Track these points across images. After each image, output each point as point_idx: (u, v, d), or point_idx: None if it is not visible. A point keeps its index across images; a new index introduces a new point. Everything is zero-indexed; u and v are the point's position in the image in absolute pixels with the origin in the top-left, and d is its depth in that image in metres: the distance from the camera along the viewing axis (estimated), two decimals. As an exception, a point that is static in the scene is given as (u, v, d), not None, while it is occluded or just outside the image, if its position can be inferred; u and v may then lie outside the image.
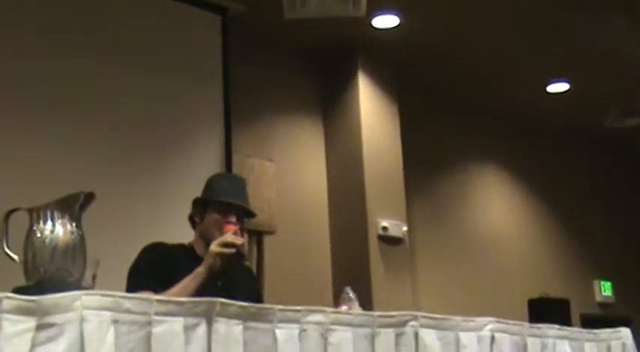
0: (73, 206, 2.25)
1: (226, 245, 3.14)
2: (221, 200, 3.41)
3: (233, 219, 3.37)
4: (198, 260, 3.33)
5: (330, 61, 7.28)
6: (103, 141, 5.24)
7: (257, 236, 6.13)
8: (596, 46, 7.39)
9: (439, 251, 7.88)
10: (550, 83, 8.22)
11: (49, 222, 2.21)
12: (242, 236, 3.31)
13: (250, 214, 3.55)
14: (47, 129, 5.02)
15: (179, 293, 2.90)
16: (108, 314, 1.88)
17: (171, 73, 5.79)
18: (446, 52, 7.41)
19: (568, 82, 8.21)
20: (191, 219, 3.53)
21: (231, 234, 3.18)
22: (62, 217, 2.22)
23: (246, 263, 3.28)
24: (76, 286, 2.13)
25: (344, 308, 3.11)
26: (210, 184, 3.54)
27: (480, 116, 8.60)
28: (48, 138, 5.00)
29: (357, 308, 3.17)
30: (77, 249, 2.21)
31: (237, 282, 3.39)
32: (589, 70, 7.87)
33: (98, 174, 4.89)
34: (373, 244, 6.74)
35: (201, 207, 3.47)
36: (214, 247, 3.14)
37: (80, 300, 1.85)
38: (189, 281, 3.09)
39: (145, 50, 5.69)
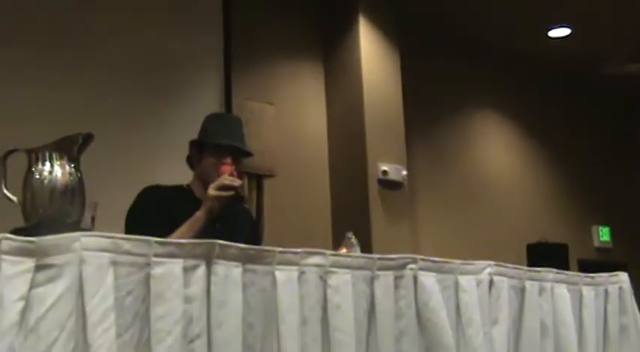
0: (71, 147, 2.24)
1: (224, 187, 3.14)
2: (215, 142, 3.40)
3: (228, 160, 3.36)
4: (196, 202, 3.33)
5: (331, 3, 7.21)
6: (102, 83, 5.21)
7: (257, 179, 6.13)
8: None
9: (439, 195, 7.90)
10: (552, 28, 8.16)
11: (48, 163, 2.20)
12: (239, 177, 3.30)
13: (246, 154, 3.54)
14: (47, 71, 4.99)
15: (179, 237, 2.89)
16: (107, 255, 1.88)
17: (171, 16, 5.74)
18: (447, -4, 7.36)
19: (570, 28, 8.15)
20: (189, 160, 3.53)
21: (227, 176, 3.18)
22: (61, 158, 2.21)
23: (245, 205, 3.28)
24: (75, 227, 2.13)
25: (344, 251, 3.12)
26: (205, 125, 3.53)
27: (481, 60, 8.56)
28: (47, 81, 4.97)
29: (358, 253, 3.17)
30: (76, 190, 2.21)
31: (235, 224, 3.40)
32: (591, 15, 7.81)
33: (97, 117, 4.88)
34: (373, 188, 6.73)
35: (197, 150, 3.48)
36: (212, 191, 3.14)
37: (79, 241, 1.84)
38: (189, 225, 3.09)
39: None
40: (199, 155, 3.46)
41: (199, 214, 3.12)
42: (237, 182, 3.19)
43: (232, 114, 4.06)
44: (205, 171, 3.41)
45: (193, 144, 3.50)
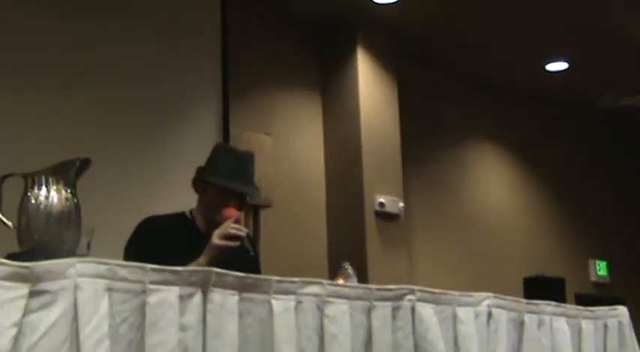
0: (68, 172, 2.22)
1: (229, 237, 3.04)
2: (221, 185, 3.29)
3: (233, 203, 3.27)
4: (197, 233, 3.28)
5: (329, 35, 7.24)
6: (100, 110, 5.20)
7: (253, 210, 6.10)
8: (595, 26, 7.36)
9: (435, 227, 7.88)
10: (549, 62, 8.19)
11: (44, 188, 2.18)
12: (244, 223, 3.22)
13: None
14: (43, 96, 4.97)
15: None
16: (102, 282, 1.86)
17: (169, 46, 5.74)
18: (445, 29, 7.38)
19: (567, 61, 8.18)
20: (194, 184, 3.41)
21: (233, 225, 3.08)
22: (57, 183, 2.19)
23: (251, 254, 3.15)
24: (71, 253, 2.10)
25: (341, 281, 3.08)
26: (214, 158, 3.41)
27: (479, 93, 8.57)
28: (45, 105, 4.95)
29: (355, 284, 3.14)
30: (72, 216, 2.19)
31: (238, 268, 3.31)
32: (588, 49, 7.84)
33: (95, 143, 4.83)
34: (370, 220, 6.72)
35: (203, 181, 3.37)
36: (217, 240, 3.04)
37: (74, 267, 1.83)
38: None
39: (142, 20, 5.64)
40: (204, 186, 3.36)
41: (202, 261, 3.00)
42: (243, 231, 3.09)
43: (243, 150, 3.77)
44: (208, 207, 3.32)
45: (199, 172, 3.39)
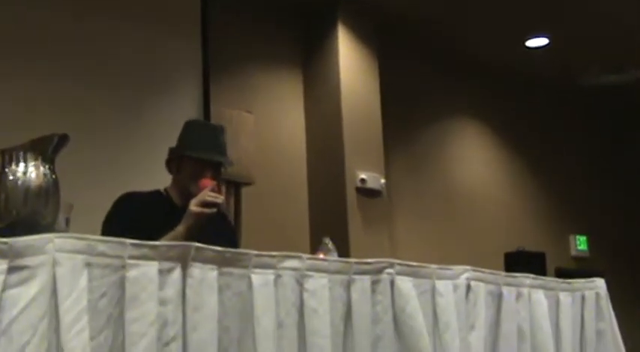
0: (46, 148, 2.21)
1: (206, 204, 3.09)
2: (195, 156, 3.34)
3: (209, 174, 3.31)
4: (174, 208, 3.30)
5: (310, 12, 7.22)
6: (80, 87, 5.19)
7: (235, 187, 6.11)
8: (575, 2, 7.36)
9: (417, 203, 7.90)
10: (529, 38, 8.20)
11: (22, 164, 2.17)
12: (220, 191, 3.26)
13: (228, 164, 3.50)
14: (23, 73, 4.96)
15: None
16: (81, 257, 1.87)
17: (150, 25, 5.73)
18: (425, 6, 7.35)
19: (548, 37, 8.19)
20: (168, 164, 3.47)
21: (209, 192, 3.13)
22: (35, 159, 2.18)
23: (229, 219, 3.18)
24: (49, 229, 2.10)
25: (321, 256, 3.10)
26: (186, 133, 3.47)
27: (460, 70, 8.58)
28: (23, 82, 4.94)
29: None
30: (50, 191, 2.18)
31: (215, 237, 3.35)
32: (568, 25, 7.85)
33: (75, 120, 4.85)
34: (351, 196, 6.73)
35: (177, 158, 3.41)
36: (194, 207, 3.08)
37: (53, 243, 1.83)
38: (169, 240, 3.01)
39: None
40: (179, 162, 3.40)
41: (180, 229, 3.06)
42: (219, 198, 3.15)
43: (214, 123, 3.93)
44: (184, 181, 3.36)
45: (172, 151, 3.45)
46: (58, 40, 5.19)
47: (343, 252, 5.56)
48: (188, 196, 3.25)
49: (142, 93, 5.62)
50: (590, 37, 8.06)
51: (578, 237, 9.49)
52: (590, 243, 9.59)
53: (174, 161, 3.43)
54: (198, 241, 2.12)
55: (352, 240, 6.59)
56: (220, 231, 3.30)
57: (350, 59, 7.06)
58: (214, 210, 3.11)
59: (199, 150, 3.35)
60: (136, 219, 3.15)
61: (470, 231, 8.26)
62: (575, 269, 9.01)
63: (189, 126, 3.53)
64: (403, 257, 6.47)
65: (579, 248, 9.49)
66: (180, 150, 3.41)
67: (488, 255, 7.56)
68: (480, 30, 7.93)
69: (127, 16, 5.60)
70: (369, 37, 7.27)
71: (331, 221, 6.74)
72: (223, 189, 5.50)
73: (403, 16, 7.51)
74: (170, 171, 3.46)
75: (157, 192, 3.46)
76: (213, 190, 3.17)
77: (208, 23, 6.15)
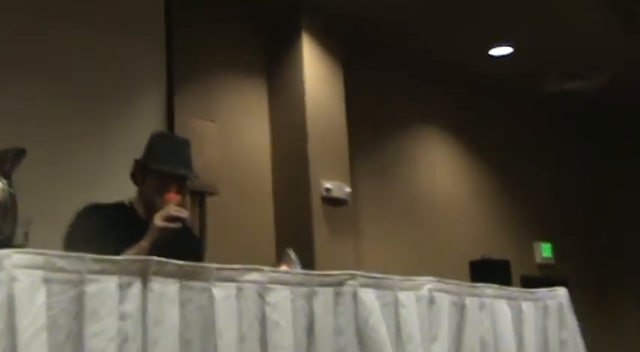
0: (3, 163, 2.20)
1: (171, 218, 3.06)
2: (160, 170, 3.30)
3: (174, 187, 3.28)
4: (139, 221, 3.27)
5: (274, 20, 7.21)
6: (40, 99, 5.13)
7: (199, 197, 6.09)
8: (538, 10, 7.42)
9: (382, 213, 7.91)
10: (493, 46, 8.25)
11: (-21, 179, 2.16)
12: (184, 205, 3.24)
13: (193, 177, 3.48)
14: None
15: None
16: (39, 273, 1.86)
17: (112, 33, 5.68)
18: (389, 14, 7.37)
19: (511, 46, 8.25)
20: (133, 177, 3.43)
21: (174, 207, 3.11)
22: (-8, 174, 2.17)
23: (193, 233, 3.16)
24: (7, 244, 2.09)
25: (284, 268, 3.09)
26: (151, 146, 3.43)
27: (424, 78, 8.61)
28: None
29: (298, 270, 3.14)
30: (8, 206, 2.17)
31: (180, 251, 3.32)
32: (531, 33, 7.92)
33: (35, 132, 4.80)
34: (316, 205, 6.73)
35: (142, 171, 3.37)
36: (158, 222, 3.05)
37: (10, 259, 1.81)
38: (133, 254, 2.98)
39: (83, 7, 5.58)
40: (143, 175, 3.36)
41: (144, 244, 3.02)
42: (184, 213, 3.12)
43: (179, 136, 3.89)
44: (149, 194, 3.32)
45: (138, 163, 3.40)
46: (18, 49, 5.13)
47: (309, 261, 5.58)
48: (153, 209, 3.22)
49: (106, 103, 5.58)
50: (554, 45, 8.13)
51: (542, 244, 9.54)
52: (555, 250, 9.65)
53: (140, 173, 3.39)
54: (163, 256, 2.11)
55: (317, 250, 6.58)
56: (185, 246, 3.26)
57: (314, 68, 7.06)
58: (179, 224, 3.09)
59: (164, 164, 3.31)
60: (99, 231, 3.10)
61: (435, 239, 8.28)
62: (540, 277, 9.07)
63: (154, 139, 3.49)
64: (369, 266, 6.50)
65: (544, 255, 9.54)
66: (145, 163, 3.37)
67: (453, 263, 7.60)
68: (444, 38, 7.96)
69: (90, 25, 5.55)
70: (334, 45, 7.28)
71: (297, 230, 6.74)
72: (188, 202, 5.47)
73: (368, 25, 7.52)
74: (135, 183, 3.42)
75: (121, 204, 3.42)
76: (178, 204, 3.15)
77: (172, 32, 6.13)
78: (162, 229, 3.05)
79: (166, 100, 6.02)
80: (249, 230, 6.68)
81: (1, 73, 5.01)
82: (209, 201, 6.17)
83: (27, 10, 5.25)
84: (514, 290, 3.32)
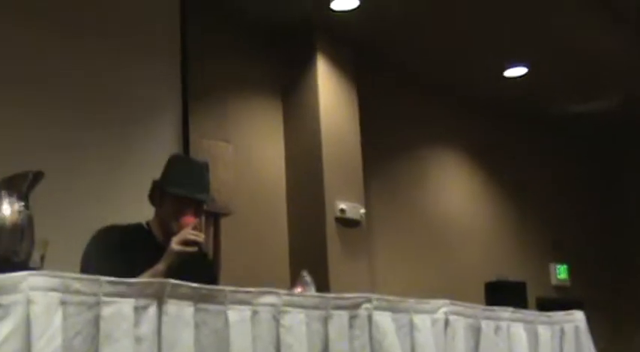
0: (20, 185, 2.20)
1: (187, 242, 3.07)
2: (177, 194, 3.30)
3: (191, 211, 3.29)
4: (155, 243, 3.27)
5: (289, 42, 7.23)
6: (56, 120, 5.14)
7: (213, 218, 6.08)
8: (552, 32, 7.43)
9: (397, 233, 7.90)
10: (508, 67, 8.25)
11: (-4, 201, 2.17)
12: (201, 230, 3.25)
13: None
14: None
15: None
16: (56, 295, 1.85)
17: (128, 54, 5.70)
18: (404, 36, 7.40)
19: (526, 66, 8.25)
20: (151, 196, 3.43)
21: (191, 231, 3.11)
22: (9, 196, 2.17)
23: (209, 258, 3.17)
24: (23, 267, 2.09)
25: (299, 290, 3.08)
26: (169, 169, 3.42)
27: (438, 99, 8.61)
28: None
29: (312, 292, 3.13)
30: (25, 228, 2.17)
31: (195, 276, 3.31)
32: (546, 55, 7.91)
33: (50, 153, 4.80)
34: (331, 226, 6.73)
35: (159, 193, 3.36)
36: (175, 246, 3.06)
37: (27, 281, 1.81)
38: (149, 277, 2.98)
39: (100, 26, 5.59)
40: (160, 197, 3.36)
41: (160, 268, 3.02)
42: (200, 237, 3.13)
43: (198, 159, 3.89)
44: (166, 216, 3.32)
45: (155, 185, 3.40)
46: (33, 66, 5.12)
47: (322, 282, 5.56)
48: (169, 231, 3.23)
49: (120, 123, 5.58)
50: (569, 66, 8.13)
51: (558, 266, 9.50)
52: (570, 272, 9.60)
53: (157, 195, 3.40)
54: (178, 279, 2.10)
55: (332, 270, 6.57)
56: (201, 270, 3.26)
57: (329, 89, 7.08)
58: (195, 248, 3.09)
59: (181, 187, 3.31)
60: (116, 253, 3.11)
61: (449, 260, 8.26)
62: (555, 299, 9.03)
63: (172, 162, 3.49)
64: (382, 287, 6.50)
65: (560, 277, 9.51)
66: (162, 186, 3.37)
67: (468, 285, 7.58)
68: (459, 60, 7.97)
69: (105, 46, 5.56)
70: (349, 67, 7.29)
71: (311, 251, 6.73)
72: (202, 218, 5.47)
73: (382, 46, 7.54)
74: (153, 203, 3.42)
75: (139, 226, 3.41)
76: (194, 228, 3.15)
77: (187, 53, 6.15)
78: (179, 253, 3.06)
79: (181, 121, 6.03)
80: (263, 251, 6.67)
81: (14, 89, 5.01)
82: (223, 221, 6.17)
83: (44, 26, 5.26)
84: (530, 314, 3.30)
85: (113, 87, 5.56)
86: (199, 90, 6.32)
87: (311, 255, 6.65)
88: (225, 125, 6.67)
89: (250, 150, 6.85)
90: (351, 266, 6.76)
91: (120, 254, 3.09)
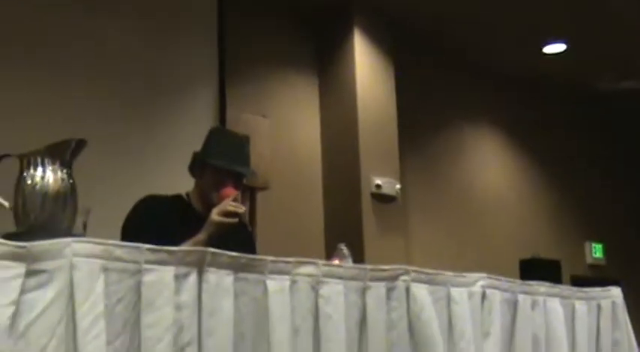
0: (63, 153, 2.23)
1: (228, 214, 3.09)
2: (218, 165, 3.33)
3: (231, 183, 3.31)
4: (195, 214, 3.30)
5: (326, 17, 7.22)
6: (97, 90, 5.21)
7: (250, 192, 6.10)
8: (593, 7, 7.34)
9: (432, 209, 7.89)
10: (547, 44, 8.18)
11: (40, 169, 2.19)
12: (241, 201, 3.27)
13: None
14: (40, 77, 4.98)
15: None
16: (98, 261, 1.88)
17: (166, 29, 5.75)
18: (442, 11, 7.35)
19: (565, 43, 8.17)
20: (191, 169, 3.46)
21: (231, 202, 3.13)
22: (53, 164, 2.20)
23: (249, 229, 3.19)
24: (67, 233, 2.12)
25: (336, 262, 3.09)
26: (210, 141, 3.45)
27: (476, 75, 8.56)
28: (42, 86, 4.96)
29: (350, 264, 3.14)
30: (68, 196, 2.20)
31: (235, 246, 3.33)
32: (586, 31, 7.83)
33: (92, 123, 4.87)
34: (366, 201, 6.73)
35: (200, 164, 3.40)
36: (215, 216, 3.09)
37: (70, 247, 1.84)
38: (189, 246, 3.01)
39: (138, 3, 5.64)
40: (201, 169, 3.39)
41: (201, 237, 3.06)
42: (241, 208, 3.15)
43: (238, 133, 3.89)
44: (206, 188, 3.35)
45: (196, 157, 3.43)
46: (73, 41, 5.20)
47: (358, 257, 5.55)
48: (209, 203, 3.26)
49: (159, 96, 5.64)
50: (608, 42, 8.04)
51: (594, 244, 9.44)
52: (606, 250, 9.54)
53: (198, 167, 3.42)
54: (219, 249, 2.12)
55: (367, 246, 6.58)
56: (241, 241, 3.28)
57: (366, 64, 7.06)
58: (236, 219, 3.11)
59: (222, 159, 3.34)
60: (156, 222, 3.15)
61: (485, 236, 8.24)
62: (590, 278, 8.97)
63: (213, 134, 3.52)
64: (418, 262, 6.48)
65: (595, 255, 9.44)
66: (203, 157, 3.40)
67: (502, 261, 7.56)
68: (497, 36, 7.92)
69: (143, 22, 5.62)
70: (385, 42, 7.27)
71: (346, 226, 6.74)
72: (245, 198, 5.50)
73: (420, 22, 7.51)
74: (193, 175, 3.45)
75: (179, 197, 3.45)
76: (235, 200, 3.17)
77: (224, 28, 6.16)
78: (219, 224, 3.08)
79: (218, 96, 6.06)
80: (299, 225, 6.70)
81: (56, 65, 5.08)
82: (260, 196, 6.19)
83: (83, 10, 5.31)
84: (567, 289, 3.28)
85: (153, 63, 5.62)
86: (237, 66, 6.34)
87: (347, 231, 6.66)
88: (263, 100, 6.69)
89: (287, 125, 6.87)
90: (387, 241, 6.76)
91: (160, 224, 3.12)
